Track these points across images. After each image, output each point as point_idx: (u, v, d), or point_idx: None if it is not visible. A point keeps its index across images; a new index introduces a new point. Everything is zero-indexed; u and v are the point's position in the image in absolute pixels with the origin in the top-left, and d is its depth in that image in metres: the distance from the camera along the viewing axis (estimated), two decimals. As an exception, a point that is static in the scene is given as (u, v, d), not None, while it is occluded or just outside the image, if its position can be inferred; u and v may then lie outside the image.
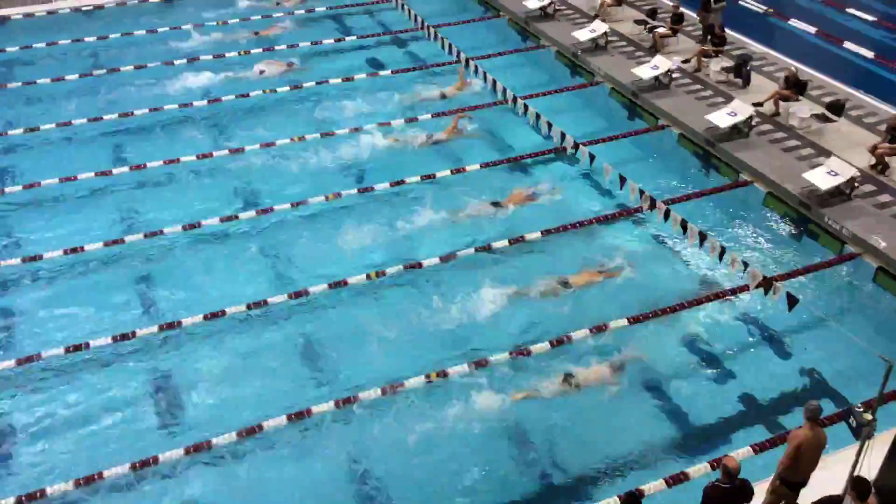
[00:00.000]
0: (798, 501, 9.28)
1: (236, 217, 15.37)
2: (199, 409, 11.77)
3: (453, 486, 10.59)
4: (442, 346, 12.64)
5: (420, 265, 14.15)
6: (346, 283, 13.71)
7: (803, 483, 9.18)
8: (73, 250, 14.34)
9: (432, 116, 18.72)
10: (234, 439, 10.97)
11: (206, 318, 12.99)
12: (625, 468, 10.86)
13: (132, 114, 18.58)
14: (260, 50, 21.68)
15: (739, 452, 10.51)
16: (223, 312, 13.09)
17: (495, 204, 15.80)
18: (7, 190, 16.08)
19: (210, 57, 21.18)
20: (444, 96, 19.54)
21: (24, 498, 10.28)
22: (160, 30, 22.78)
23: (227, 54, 21.34)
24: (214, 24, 23.22)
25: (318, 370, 12.44)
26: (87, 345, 12.47)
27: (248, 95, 19.50)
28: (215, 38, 22.54)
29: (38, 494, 10.32)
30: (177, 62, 20.98)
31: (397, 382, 11.77)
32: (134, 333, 12.69)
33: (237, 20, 23.51)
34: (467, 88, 19.93)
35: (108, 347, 12.55)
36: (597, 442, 11.24)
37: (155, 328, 12.85)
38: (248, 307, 13.21)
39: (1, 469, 10.96)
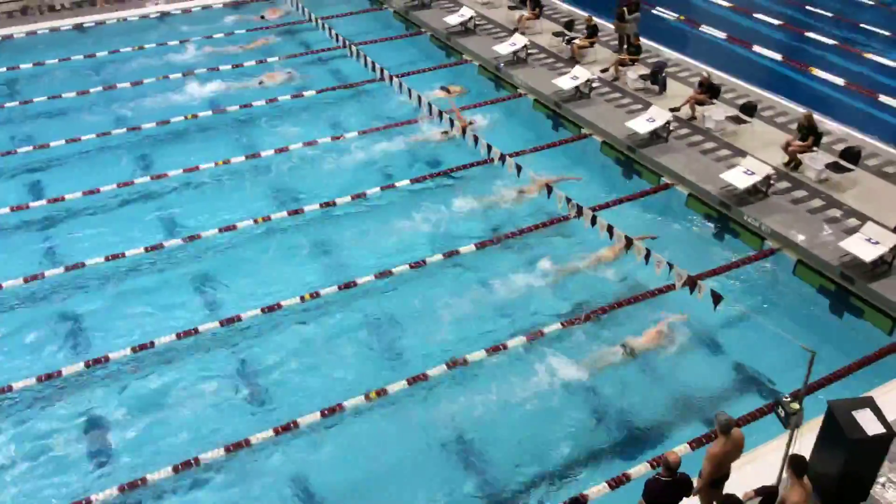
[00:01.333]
0: (728, 492, 9.49)
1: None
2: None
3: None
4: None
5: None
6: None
7: (726, 477, 9.38)
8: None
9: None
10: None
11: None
12: (566, 474, 10.95)
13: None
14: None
15: (677, 450, 10.72)
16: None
17: None
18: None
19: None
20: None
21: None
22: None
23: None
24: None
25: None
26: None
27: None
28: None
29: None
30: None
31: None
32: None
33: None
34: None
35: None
36: (534, 450, 11.29)
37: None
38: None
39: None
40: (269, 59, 22.59)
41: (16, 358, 12.84)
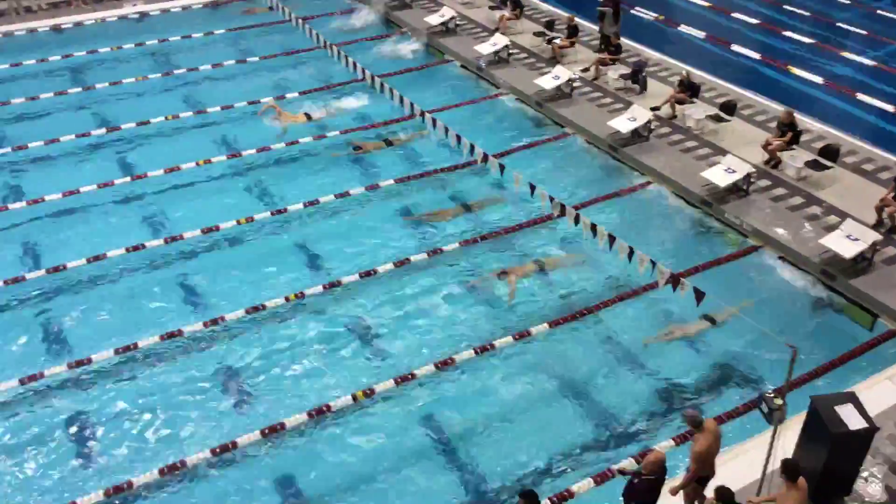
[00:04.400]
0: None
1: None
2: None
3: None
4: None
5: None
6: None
7: (712, 474, 9.43)
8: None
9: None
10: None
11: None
12: (551, 470, 10.99)
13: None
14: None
15: (662, 445, 10.83)
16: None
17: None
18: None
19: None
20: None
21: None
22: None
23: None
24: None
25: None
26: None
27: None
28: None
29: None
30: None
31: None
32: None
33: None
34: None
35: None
36: (521, 446, 11.33)
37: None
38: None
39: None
40: (249, 59, 22.52)
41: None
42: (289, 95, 20.68)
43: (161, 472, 10.70)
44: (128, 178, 17.12)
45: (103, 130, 18.95)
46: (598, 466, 10.82)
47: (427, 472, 10.99)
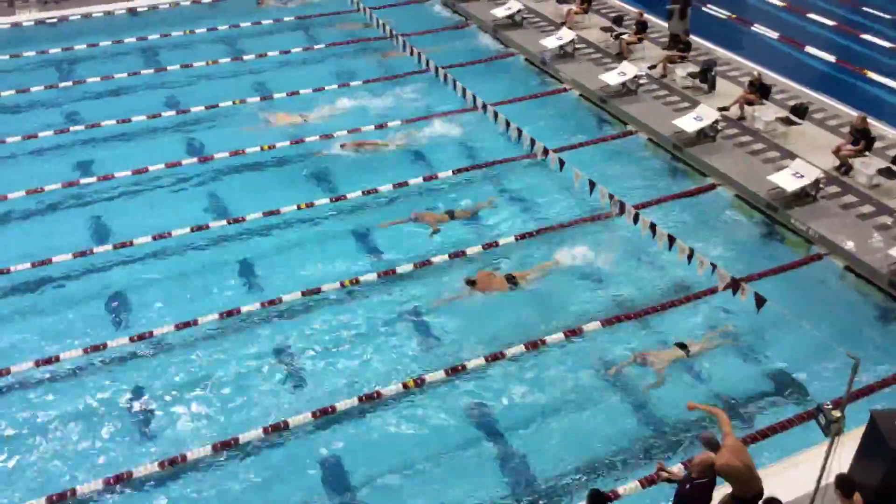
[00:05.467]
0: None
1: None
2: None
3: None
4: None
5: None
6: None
7: (760, 495, 9.17)
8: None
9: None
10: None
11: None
12: (599, 470, 10.91)
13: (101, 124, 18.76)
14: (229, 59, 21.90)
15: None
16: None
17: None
18: None
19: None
20: None
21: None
22: (127, 40, 22.96)
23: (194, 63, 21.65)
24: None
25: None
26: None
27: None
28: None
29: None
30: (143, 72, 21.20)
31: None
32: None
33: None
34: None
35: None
36: (569, 445, 11.27)
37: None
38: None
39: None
40: (316, 46, 22.71)
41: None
42: (352, 83, 20.88)
43: (214, 447, 10.99)
44: (195, 160, 17.55)
45: (173, 112, 19.45)
46: (646, 470, 10.70)
47: (471, 464, 11.02)
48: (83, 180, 16.79)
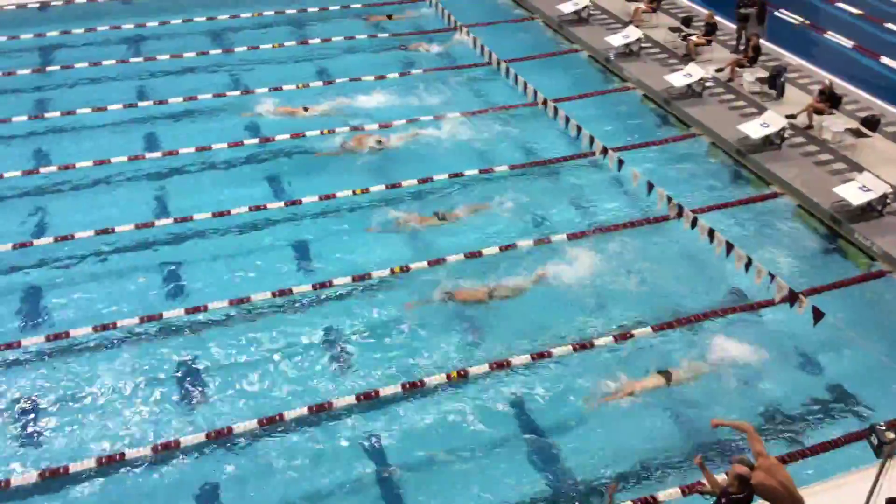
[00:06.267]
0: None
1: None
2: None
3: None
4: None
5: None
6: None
7: None
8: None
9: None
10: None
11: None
12: (641, 476, 10.80)
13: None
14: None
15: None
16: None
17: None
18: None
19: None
20: None
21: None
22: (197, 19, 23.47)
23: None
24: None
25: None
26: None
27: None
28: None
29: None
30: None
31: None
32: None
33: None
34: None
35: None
36: (611, 449, 11.16)
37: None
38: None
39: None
40: (380, 35, 22.84)
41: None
42: (413, 71, 20.96)
43: (260, 422, 11.19)
44: (256, 140, 17.84)
45: (238, 92, 19.80)
46: (688, 477, 10.55)
47: (510, 458, 11.00)
48: (148, 154, 17.23)
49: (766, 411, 11.77)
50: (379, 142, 17.63)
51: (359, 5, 24.98)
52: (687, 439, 11.31)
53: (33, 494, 10.32)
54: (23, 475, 10.46)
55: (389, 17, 24.18)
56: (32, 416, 11.47)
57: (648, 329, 12.91)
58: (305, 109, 18.99)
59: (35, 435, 11.18)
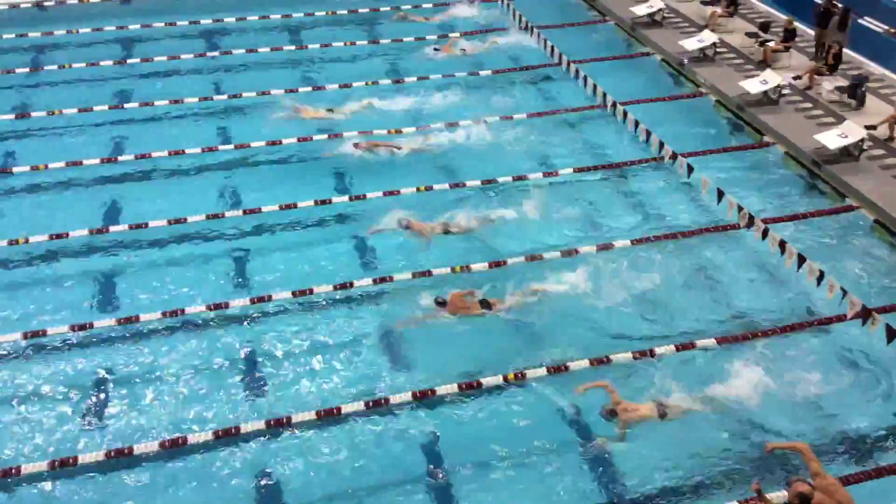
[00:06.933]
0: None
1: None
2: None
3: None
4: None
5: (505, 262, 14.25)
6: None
7: None
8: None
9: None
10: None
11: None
12: (697, 486, 10.59)
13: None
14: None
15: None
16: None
17: None
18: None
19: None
20: None
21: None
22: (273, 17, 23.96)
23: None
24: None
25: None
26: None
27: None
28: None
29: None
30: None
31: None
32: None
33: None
34: None
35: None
36: (671, 461, 10.94)
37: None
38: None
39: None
40: (451, 35, 22.95)
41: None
42: (482, 72, 20.95)
43: (318, 414, 11.36)
44: (325, 136, 18.08)
45: (309, 88, 20.11)
46: (746, 493, 10.28)
47: (561, 462, 10.92)
48: (221, 147, 17.66)
49: (832, 427, 11.38)
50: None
51: (429, 5, 25.10)
52: (744, 460, 10.96)
53: (100, 472, 10.65)
54: (90, 454, 10.80)
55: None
56: (102, 395, 11.88)
57: (712, 341, 12.61)
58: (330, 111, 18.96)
59: (101, 416, 11.55)
